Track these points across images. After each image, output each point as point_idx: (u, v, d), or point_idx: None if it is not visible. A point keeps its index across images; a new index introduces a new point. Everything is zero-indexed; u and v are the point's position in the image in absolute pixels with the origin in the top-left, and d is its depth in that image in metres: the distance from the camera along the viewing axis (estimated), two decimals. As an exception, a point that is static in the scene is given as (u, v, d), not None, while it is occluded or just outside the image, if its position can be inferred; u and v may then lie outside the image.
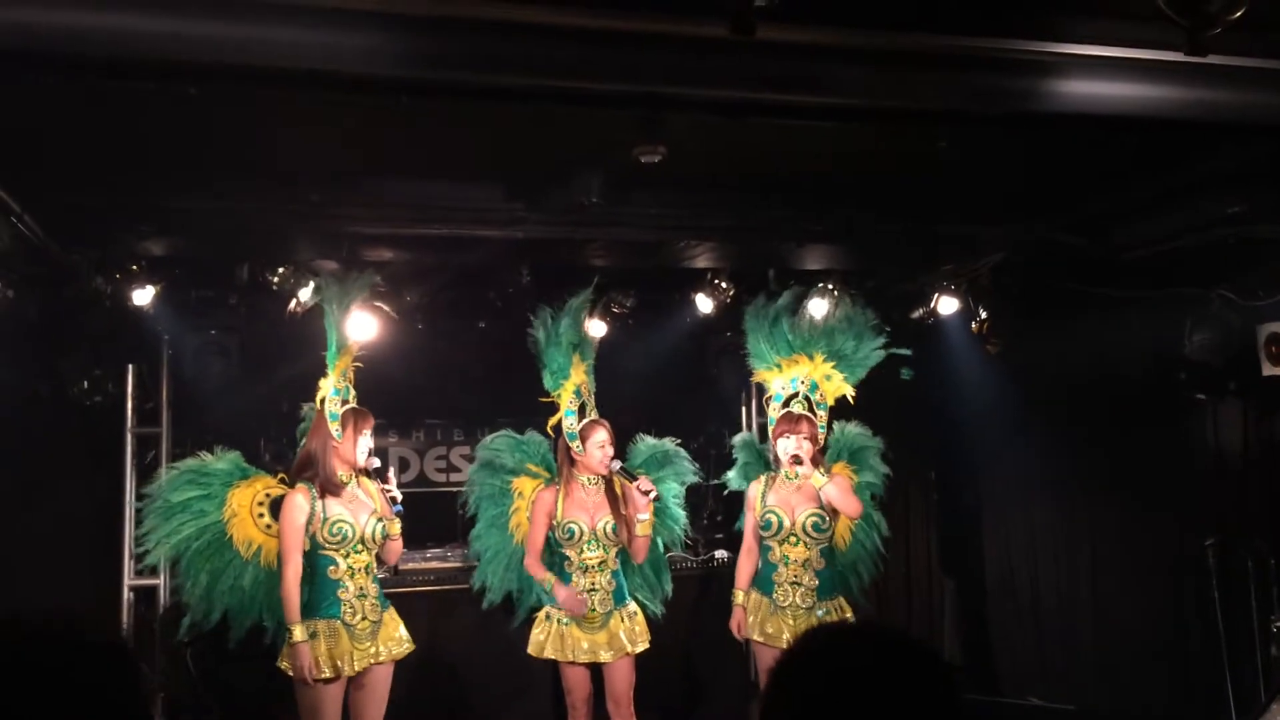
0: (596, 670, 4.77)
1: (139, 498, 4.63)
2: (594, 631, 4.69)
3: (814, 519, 4.75)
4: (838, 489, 4.71)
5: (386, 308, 5.29)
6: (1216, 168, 4.36)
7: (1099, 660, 6.56)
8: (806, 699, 1.32)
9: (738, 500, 5.37)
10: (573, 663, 4.69)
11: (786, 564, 4.79)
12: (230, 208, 4.67)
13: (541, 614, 4.80)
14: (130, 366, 6.01)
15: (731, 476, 5.36)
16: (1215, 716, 5.59)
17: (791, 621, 4.75)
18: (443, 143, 4.11)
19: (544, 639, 4.73)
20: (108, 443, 5.92)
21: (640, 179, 4.27)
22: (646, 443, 5.34)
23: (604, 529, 4.71)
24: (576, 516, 4.72)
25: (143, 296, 5.31)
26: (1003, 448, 7.09)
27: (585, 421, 4.79)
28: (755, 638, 4.82)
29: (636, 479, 4.69)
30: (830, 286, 5.60)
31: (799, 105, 3.36)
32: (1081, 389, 6.44)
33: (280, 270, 5.32)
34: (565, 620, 4.70)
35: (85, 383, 5.83)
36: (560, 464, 4.90)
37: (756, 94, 3.17)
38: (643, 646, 4.76)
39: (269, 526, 4.48)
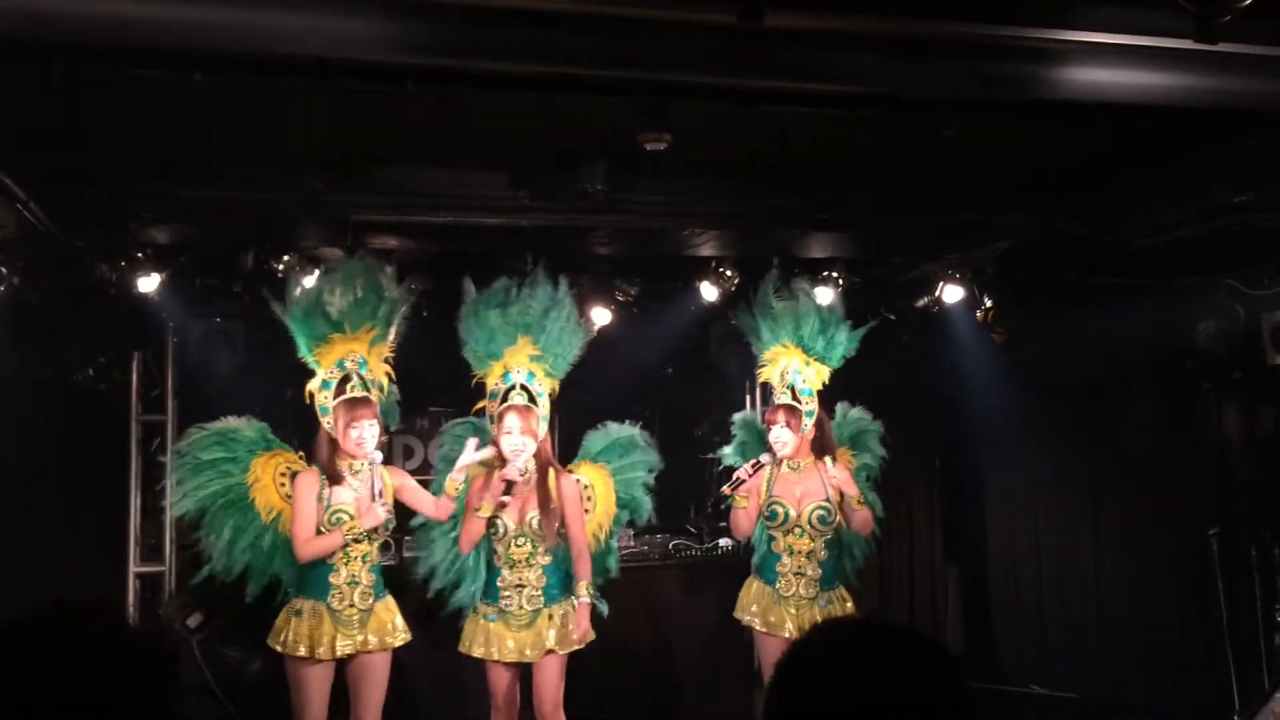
0: (528, 672, 4.56)
1: (158, 460, 4.60)
2: (520, 629, 4.46)
3: (820, 512, 4.76)
4: (866, 516, 4.83)
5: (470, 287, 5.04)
6: (1223, 156, 4.34)
7: (1102, 649, 6.57)
8: (810, 693, 1.32)
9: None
10: (498, 662, 4.47)
11: (791, 554, 4.79)
12: (235, 195, 4.67)
13: (474, 610, 4.59)
14: (135, 354, 6.01)
15: (728, 451, 5.26)
16: (1219, 705, 5.60)
17: (794, 611, 4.75)
18: (448, 130, 4.10)
19: (472, 634, 4.52)
20: (113, 430, 5.93)
21: (645, 167, 4.26)
22: (607, 430, 5.04)
23: (531, 523, 4.44)
24: (503, 509, 4.43)
25: (148, 284, 5.31)
26: (1007, 436, 7.10)
27: (503, 406, 4.48)
28: (758, 627, 4.81)
29: (507, 493, 4.38)
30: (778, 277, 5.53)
31: (807, 93, 3.35)
32: (1086, 377, 6.44)
33: (285, 258, 5.32)
34: (491, 617, 4.48)
35: (90, 370, 5.84)
36: (495, 452, 4.55)
37: (764, 82, 3.17)
38: (574, 646, 4.50)
39: (289, 497, 4.52)
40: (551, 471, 4.54)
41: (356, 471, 4.40)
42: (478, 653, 4.48)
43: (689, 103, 3.40)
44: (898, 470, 7.42)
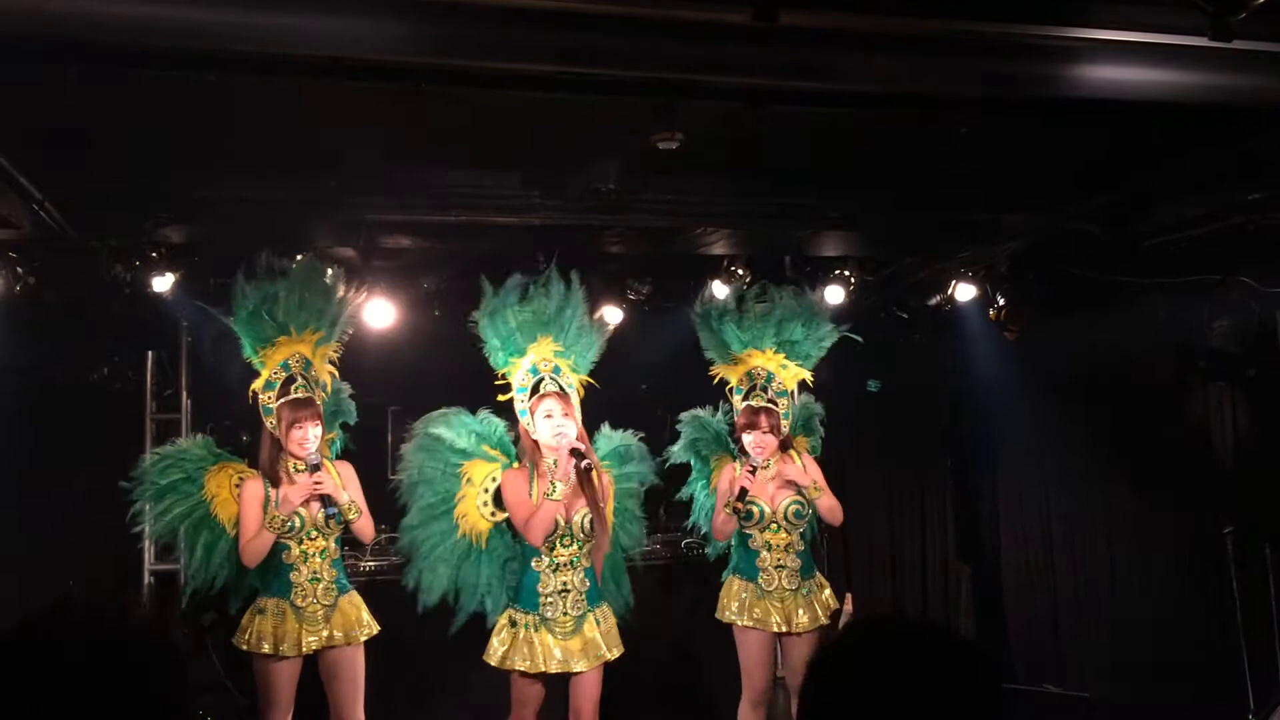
0: (554, 680, 4.34)
1: (136, 480, 4.63)
2: (567, 638, 4.25)
3: (795, 507, 4.77)
4: (830, 503, 4.78)
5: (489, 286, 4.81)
6: (1236, 154, 4.33)
7: (1115, 648, 6.55)
8: (845, 692, 1.32)
9: (682, 473, 5.21)
10: (541, 674, 4.23)
11: (770, 550, 4.80)
12: (248, 195, 4.69)
13: (504, 619, 4.34)
14: (150, 353, 6.05)
15: (676, 450, 5.14)
16: (1232, 705, 5.58)
17: (779, 604, 4.75)
18: (460, 130, 4.11)
19: (508, 647, 4.26)
20: (128, 429, 5.96)
21: (657, 166, 4.26)
22: (611, 434, 4.82)
23: (581, 523, 4.28)
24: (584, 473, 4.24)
25: (162, 284, 5.34)
26: (1020, 435, 7.08)
27: (536, 396, 4.33)
28: (744, 623, 4.78)
29: (584, 459, 4.21)
30: (748, 280, 5.64)
31: (820, 92, 3.35)
32: (1100, 376, 6.42)
33: (299, 257, 5.33)
34: (534, 625, 4.24)
35: (105, 369, 5.88)
36: (528, 450, 4.39)
37: (778, 81, 3.16)
38: (617, 652, 4.37)
39: None
40: (594, 470, 4.36)
41: (300, 472, 4.40)
42: (520, 666, 4.22)
43: (701, 101, 3.39)
44: (910, 469, 7.45)
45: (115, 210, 4.79)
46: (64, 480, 5.72)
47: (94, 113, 3.72)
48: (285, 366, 4.44)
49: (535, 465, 4.34)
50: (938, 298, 6.37)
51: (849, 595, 7.00)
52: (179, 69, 3.15)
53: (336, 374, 4.65)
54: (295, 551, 4.38)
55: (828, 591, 4.93)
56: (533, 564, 4.32)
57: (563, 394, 4.34)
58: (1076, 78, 3.15)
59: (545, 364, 4.42)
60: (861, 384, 5.31)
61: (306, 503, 4.34)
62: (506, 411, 4.55)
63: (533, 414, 4.34)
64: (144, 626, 1.39)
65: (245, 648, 4.37)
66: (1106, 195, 4.99)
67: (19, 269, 5.13)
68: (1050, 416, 6.81)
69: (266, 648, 4.31)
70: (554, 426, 4.28)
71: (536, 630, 4.25)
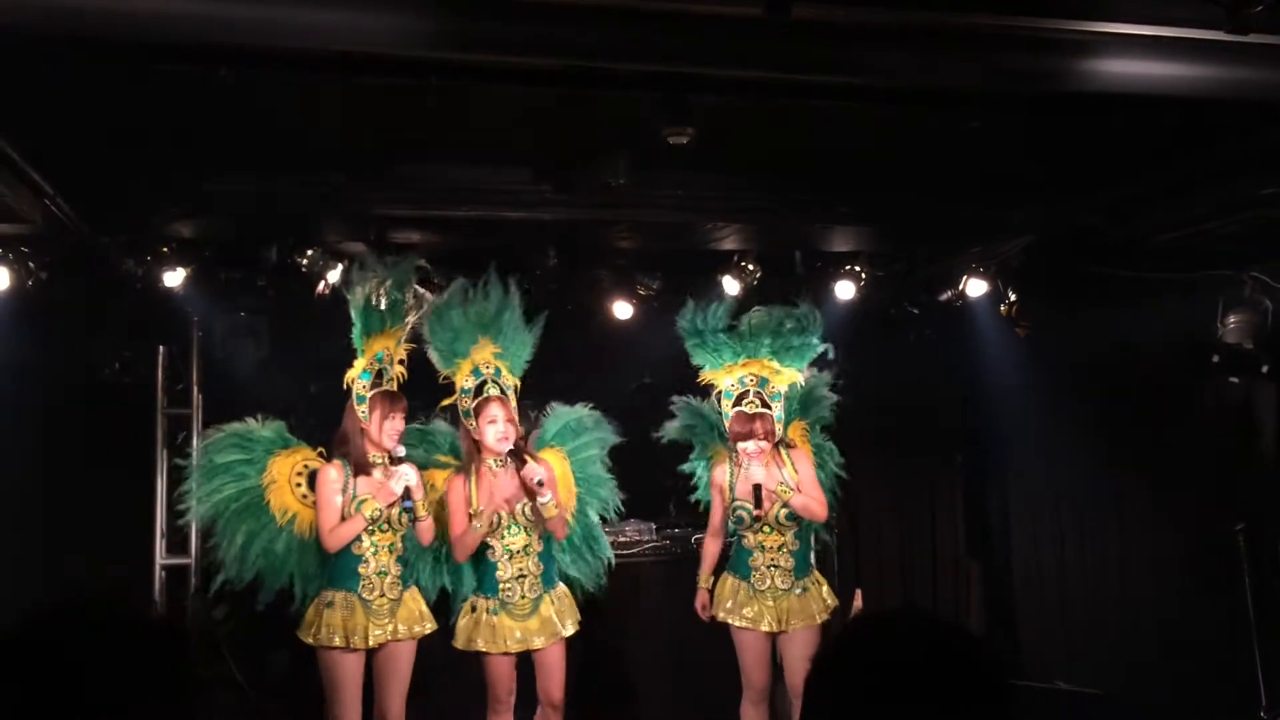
0: (522, 663, 4.63)
1: (182, 456, 4.60)
2: (524, 619, 4.53)
3: (786, 509, 4.75)
4: (803, 501, 4.73)
5: (426, 292, 5.21)
6: (1248, 148, 4.30)
7: (1126, 645, 6.53)
8: (852, 688, 1.31)
9: (679, 452, 5.27)
10: (505, 653, 4.51)
11: (763, 550, 4.79)
12: (259, 190, 4.70)
13: (467, 605, 4.62)
14: (161, 348, 6.06)
15: (670, 428, 5.20)
16: (1244, 703, 5.56)
17: (771, 603, 4.74)
18: (471, 124, 4.11)
19: (471, 629, 4.54)
20: (139, 423, 5.97)
21: (668, 160, 4.25)
22: (559, 412, 5.04)
23: (522, 511, 4.53)
24: (536, 497, 4.50)
25: (173, 278, 5.35)
26: (1030, 431, 7.05)
27: (480, 399, 4.55)
28: (736, 623, 4.79)
29: (525, 464, 4.47)
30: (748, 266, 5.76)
31: (832, 86, 3.34)
32: (1112, 372, 6.39)
33: (309, 252, 5.35)
34: (494, 609, 4.52)
35: (116, 364, 5.89)
36: (466, 450, 4.68)
37: (789, 75, 3.15)
38: (573, 628, 4.62)
39: (305, 496, 4.55)
40: (528, 459, 4.60)
41: (376, 465, 4.44)
42: (482, 647, 4.50)
43: (713, 96, 3.38)
44: (919, 465, 7.43)
45: (126, 205, 4.79)
46: (75, 474, 5.75)
47: (105, 107, 3.73)
48: (379, 359, 4.51)
49: (476, 467, 4.58)
50: (949, 293, 6.34)
51: (858, 592, 6.99)
52: (190, 63, 3.16)
53: (405, 375, 4.67)
54: (365, 544, 4.39)
55: (825, 588, 4.91)
56: (487, 554, 4.56)
57: (503, 398, 4.57)
58: (1091, 72, 3.14)
59: (487, 366, 4.63)
60: (871, 380, 5.26)
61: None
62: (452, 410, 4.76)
63: (477, 417, 4.57)
64: (148, 618, 1.39)
65: (312, 642, 4.36)
66: (1120, 190, 4.97)
67: (30, 264, 5.14)
68: (1061, 413, 6.79)
69: (338, 640, 4.32)
70: (497, 432, 4.52)
71: (496, 614, 4.52)
